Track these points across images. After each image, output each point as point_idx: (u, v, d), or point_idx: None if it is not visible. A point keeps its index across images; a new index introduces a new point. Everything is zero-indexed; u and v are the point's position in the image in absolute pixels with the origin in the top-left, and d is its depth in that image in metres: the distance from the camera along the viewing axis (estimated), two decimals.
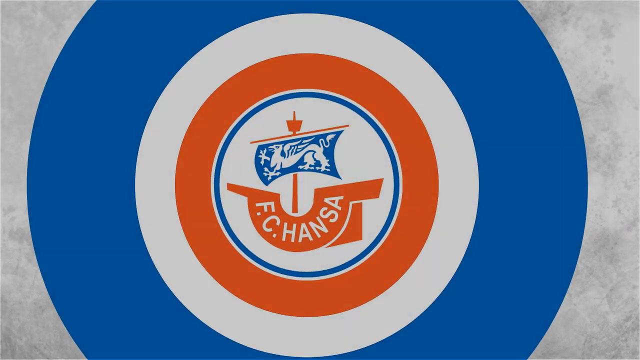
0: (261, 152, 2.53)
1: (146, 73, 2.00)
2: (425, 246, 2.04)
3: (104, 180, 1.96)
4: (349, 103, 2.14)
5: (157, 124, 2.00)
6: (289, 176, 2.36)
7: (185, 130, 2.05)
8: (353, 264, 2.13)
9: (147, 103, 1.99)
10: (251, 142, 2.51)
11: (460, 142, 1.94)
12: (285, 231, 2.14)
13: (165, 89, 2.01)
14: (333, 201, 2.31)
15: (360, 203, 2.13)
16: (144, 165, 2.00)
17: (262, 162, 2.52)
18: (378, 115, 2.10)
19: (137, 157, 1.99)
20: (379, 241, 2.08)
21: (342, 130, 2.22)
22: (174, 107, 2.02)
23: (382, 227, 2.08)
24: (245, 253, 2.11)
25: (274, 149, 2.27)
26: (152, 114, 2.00)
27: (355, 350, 1.99)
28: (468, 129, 1.93)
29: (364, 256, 2.10)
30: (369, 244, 2.10)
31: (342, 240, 2.16)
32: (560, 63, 1.87)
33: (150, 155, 2.01)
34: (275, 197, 2.19)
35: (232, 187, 2.20)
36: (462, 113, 1.93)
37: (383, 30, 1.96)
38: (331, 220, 2.17)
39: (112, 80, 1.98)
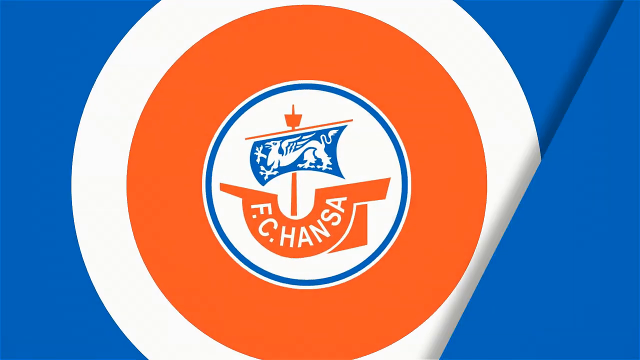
0: (257, 149, 2.35)
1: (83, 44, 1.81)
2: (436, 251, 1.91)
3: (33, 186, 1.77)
4: (352, 95, 1.99)
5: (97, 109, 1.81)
6: (288, 175, 2.19)
7: (138, 118, 1.87)
8: (358, 271, 1.99)
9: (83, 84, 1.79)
10: (246, 139, 2.33)
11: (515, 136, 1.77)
12: (283, 235, 1.98)
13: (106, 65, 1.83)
14: (335, 202, 2.15)
15: (365, 205, 1.98)
16: (81, 166, 1.82)
17: (258, 160, 2.34)
18: (384, 109, 1.95)
19: (72, 156, 1.81)
20: (385, 246, 1.94)
21: (346, 125, 2.06)
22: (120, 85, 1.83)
23: (388, 231, 1.93)
24: (240, 259, 1.96)
25: (271, 146, 2.11)
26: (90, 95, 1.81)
27: None
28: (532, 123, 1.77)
29: (369, 262, 1.95)
30: (374, 250, 1.95)
31: (345, 246, 2.00)
32: None
33: (89, 152, 1.83)
34: (272, 199, 2.04)
35: (225, 188, 2.05)
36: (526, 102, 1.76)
37: None
38: (333, 224, 2.02)
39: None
